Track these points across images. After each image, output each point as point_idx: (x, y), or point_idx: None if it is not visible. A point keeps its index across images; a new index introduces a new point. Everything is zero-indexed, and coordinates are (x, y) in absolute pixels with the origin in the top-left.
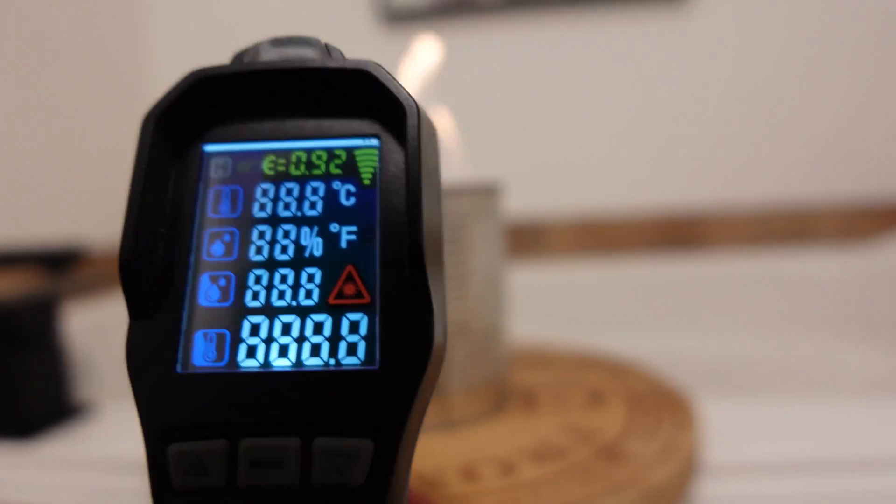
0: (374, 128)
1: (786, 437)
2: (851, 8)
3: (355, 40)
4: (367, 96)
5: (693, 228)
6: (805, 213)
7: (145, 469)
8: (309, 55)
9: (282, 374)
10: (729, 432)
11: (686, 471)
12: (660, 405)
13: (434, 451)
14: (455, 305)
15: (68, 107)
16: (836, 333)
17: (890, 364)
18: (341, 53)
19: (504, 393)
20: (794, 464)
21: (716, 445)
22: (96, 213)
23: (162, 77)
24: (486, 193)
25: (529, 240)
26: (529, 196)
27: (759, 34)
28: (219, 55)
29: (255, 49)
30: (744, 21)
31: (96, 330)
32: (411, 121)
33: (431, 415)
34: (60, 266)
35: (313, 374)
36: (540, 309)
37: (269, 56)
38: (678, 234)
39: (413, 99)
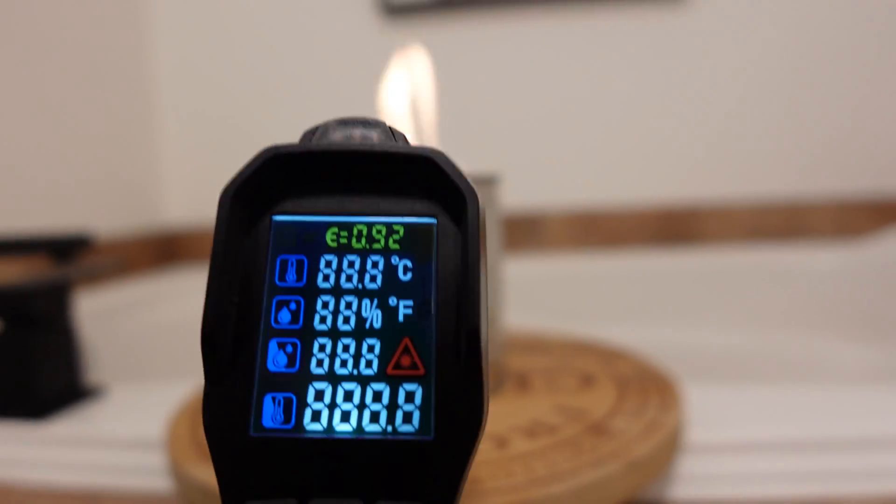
0: (432, 207)
1: (768, 419)
2: (847, 7)
3: (355, 34)
4: (427, 178)
5: (689, 223)
6: (800, 209)
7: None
8: (374, 137)
9: (344, 440)
10: (713, 414)
11: (668, 447)
12: (647, 388)
13: None
14: None
15: (75, 106)
16: (828, 327)
17: (880, 357)
18: (404, 137)
19: (500, 376)
20: (773, 444)
21: (699, 426)
22: (101, 204)
23: (164, 73)
24: (484, 184)
25: (527, 233)
26: (528, 189)
27: (756, 32)
28: (219, 48)
29: (323, 128)
30: (741, 19)
31: (102, 316)
32: (471, 210)
33: None
34: (68, 254)
35: (373, 441)
36: (537, 300)
37: (336, 136)
38: (674, 228)
39: (473, 188)
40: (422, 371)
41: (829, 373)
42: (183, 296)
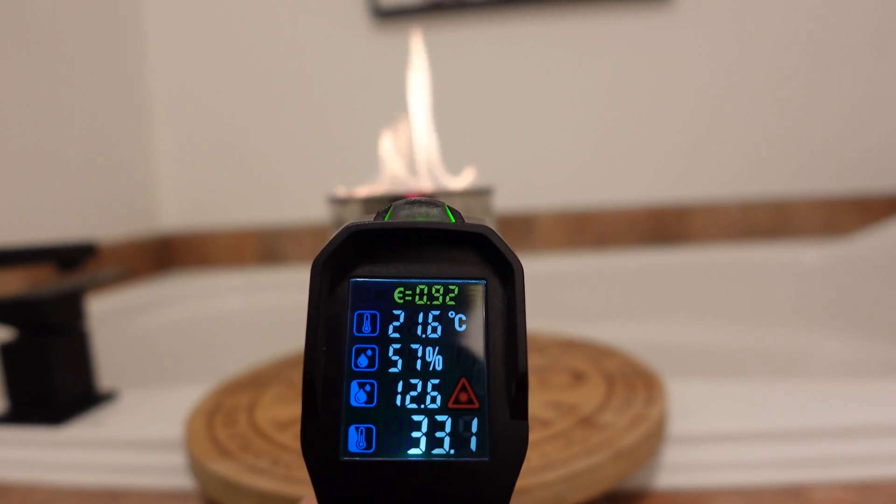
0: (483, 271)
1: (748, 411)
2: (834, 9)
3: (347, 38)
4: (479, 248)
5: (677, 222)
6: (787, 208)
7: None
8: (435, 214)
9: (415, 462)
10: (695, 406)
11: (653, 437)
12: (634, 383)
13: None
14: None
15: (73, 118)
16: (814, 323)
17: (864, 352)
18: (461, 215)
19: None
20: (753, 434)
21: (682, 417)
22: (99, 213)
23: (159, 84)
24: (481, 194)
25: (519, 233)
26: (519, 191)
27: (742, 33)
28: (212, 57)
29: (393, 207)
30: (728, 20)
31: (104, 321)
32: (518, 277)
33: None
34: (73, 262)
35: (439, 463)
36: (529, 299)
37: (404, 213)
38: (663, 227)
39: (517, 258)
40: (476, 405)
41: (814, 367)
42: (181, 300)
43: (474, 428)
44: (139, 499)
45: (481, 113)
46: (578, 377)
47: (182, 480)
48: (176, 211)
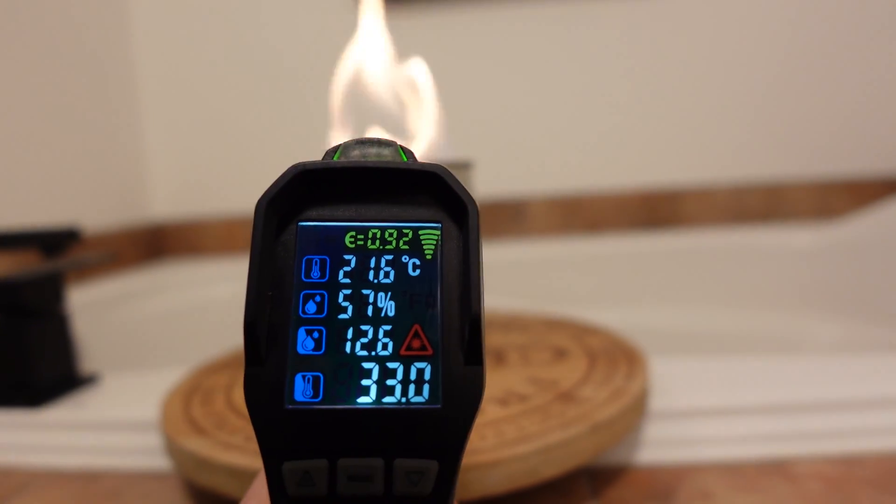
0: (437, 214)
1: (729, 387)
2: None
3: (333, 24)
4: (432, 190)
5: (670, 206)
6: (779, 191)
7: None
8: (386, 155)
9: (365, 409)
10: (678, 382)
11: (633, 411)
12: (616, 359)
13: None
14: None
15: (62, 103)
16: (805, 305)
17: (854, 333)
18: (414, 156)
19: None
20: (733, 409)
21: (664, 393)
22: (89, 200)
23: (148, 69)
24: (460, 168)
25: (511, 218)
26: (511, 176)
27: (735, 17)
28: (201, 43)
29: (343, 147)
30: (720, 5)
31: (93, 308)
32: (472, 217)
33: None
34: (57, 247)
35: (390, 410)
36: (521, 284)
37: (355, 153)
38: (655, 211)
39: (473, 198)
40: (430, 352)
41: (806, 349)
42: (171, 288)
43: (427, 375)
44: (117, 480)
45: (471, 98)
46: (560, 354)
47: (160, 461)
48: (167, 199)
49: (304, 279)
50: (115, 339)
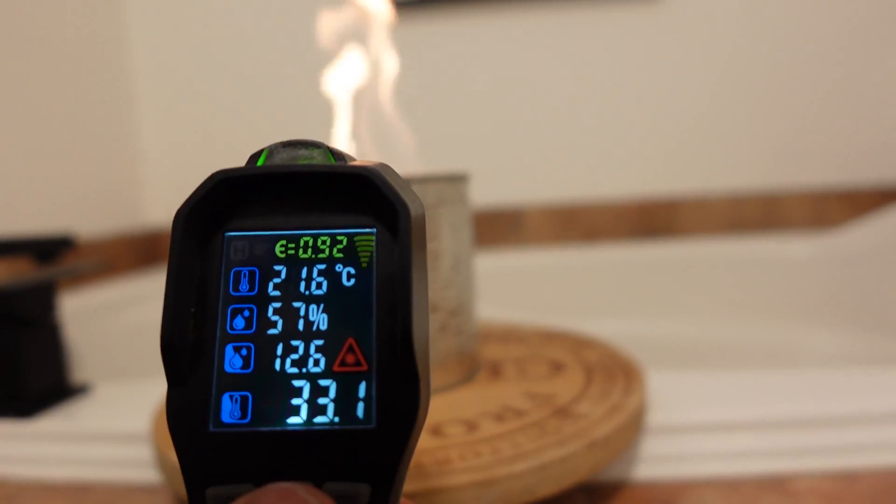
0: (371, 220)
1: (728, 401)
2: (820, 3)
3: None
4: (366, 194)
5: (666, 215)
6: (776, 200)
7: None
8: (315, 157)
9: (295, 431)
10: (676, 397)
11: (631, 427)
12: (613, 373)
13: None
14: None
15: (56, 110)
16: (803, 316)
17: (853, 343)
18: (345, 157)
19: (473, 366)
20: (733, 424)
21: (662, 408)
22: (83, 207)
23: (142, 76)
24: (455, 181)
25: (508, 228)
26: (507, 185)
27: (731, 27)
28: (196, 50)
29: (268, 150)
30: (716, 15)
31: (85, 316)
32: (403, 222)
33: None
34: (51, 255)
35: (321, 431)
36: (518, 294)
37: (281, 157)
38: (652, 221)
39: (405, 201)
40: (365, 367)
41: (803, 360)
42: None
43: (361, 393)
44: (108, 493)
45: (469, 107)
46: (557, 368)
47: (151, 474)
48: (161, 205)
49: (232, 293)
50: (108, 347)
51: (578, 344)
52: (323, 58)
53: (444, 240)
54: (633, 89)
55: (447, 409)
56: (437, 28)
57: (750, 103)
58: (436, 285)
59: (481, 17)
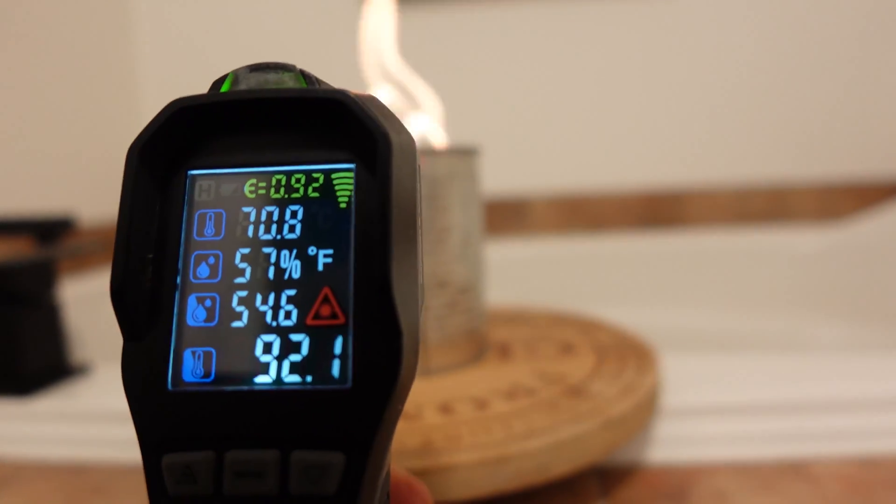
0: (350, 154)
1: (742, 384)
2: None
3: (336, 19)
4: (345, 124)
5: (673, 206)
6: (783, 192)
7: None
8: (286, 82)
9: (263, 391)
10: (689, 379)
11: (645, 408)
12: (625, 354)
13: (414, 393)
14: (433, 259)
15: (58, 91)
16: (810, 307)
17: (859, 335)
18: (317, 80)
19: (482, 346)
20: (748, 407)
21: (676, 390)
22: (84, 189)
23: (146, 56)
24: (465, 155)
25: (514, 216)
26: (514, 174)
27: (739, 18)
28: (199, 33)
29: (234, 75)
30: (725, 6)
31: (86, 299)
32: (382, 154)
33: None
34: (51, 235)
35: (292, 392)
36: (523, 282)
37: (248, 83)
38: (659, 211)
39: (385, 129)
40: (342, 320)
41: (807, 349)
42: None
43: (337, 349)
44: (104, 473)
45: (477, 95)
46: (567, 348)
47: None
48: None
49: (197, 237)
50: (109, 329)
51: (587, 325)
52: (327, 55)
53: (454, 215)
54: (641, 80)
55: (456, 387)
56: (442, 15)
57: (758, 95)
58: (445, 259)
59: (487, 6)
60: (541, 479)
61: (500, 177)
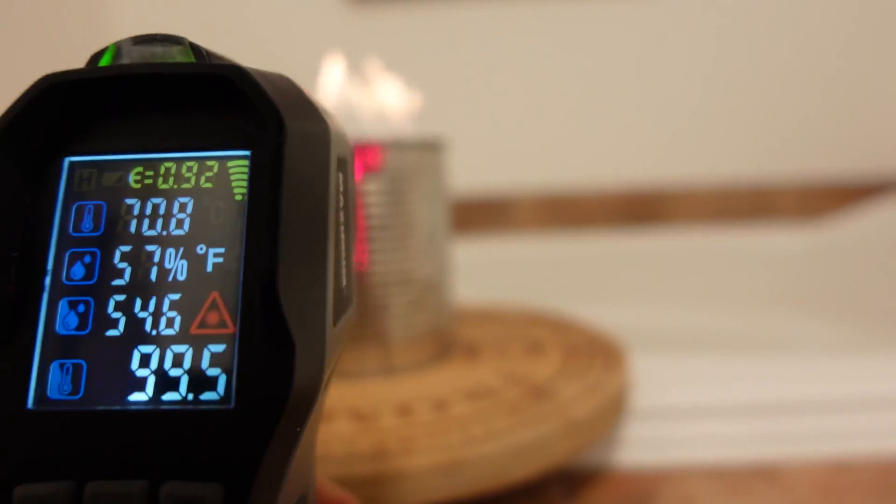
0: (248, 139)
1: (713, 385)
2: None
3: (322, 20)
4: (243, 105)
5: (655, 204)
6: (764, 191)
7: None
8: (175, 56)
9: (137, 412)
10: (659, 380)
11: (611, 409)
12: (594, 354)
13: (374, 393)
14: (396, 255)
15: None
16: (791, 306)
17: (841, 334)
18: (208, 55)
19: (447, 344)
20: (718, 408)
21: (645, 391)
22: None
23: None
24: (430, 149)
25: (494, 214)
26: (495, 172)
27: (721, 17)
28: (186, 35)
29: (115, 47)
30: (706, 4)
31: None
32: (271, 137)
33: (373, 361)
34: None
35: (169, 412)
36: (504, 281)
37: (131, 56)
38: (640, 209)
39: (279, 110)
40: (232, 329)
41: (786, 350)
42: None
43: (225, 363)
44: None
45: (457, 93)
46: (536, 347)
47: None
48: None
49: (72, 233)
50: None
51: (559, 325)
52: (314, 51)
53: (419, 210)
54: (623, 77)
55: (417, 387)
56: (424, 15)
57: (740, 94)
58: (407, 255)
59: (471, 4)
60: (499, 484)
61: (481, 175)
